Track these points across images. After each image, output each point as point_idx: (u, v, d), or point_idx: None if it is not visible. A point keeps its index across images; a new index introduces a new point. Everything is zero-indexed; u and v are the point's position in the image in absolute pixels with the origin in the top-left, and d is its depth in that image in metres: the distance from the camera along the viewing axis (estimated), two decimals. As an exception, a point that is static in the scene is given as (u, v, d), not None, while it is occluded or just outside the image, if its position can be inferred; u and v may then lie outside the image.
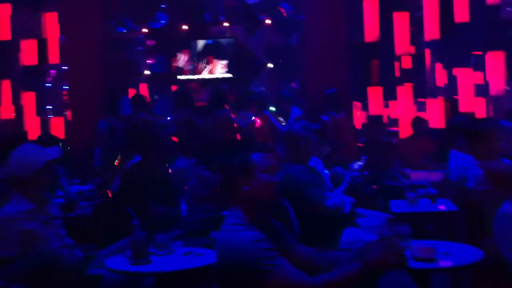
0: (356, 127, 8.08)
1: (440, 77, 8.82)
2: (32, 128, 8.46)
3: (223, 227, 2.34)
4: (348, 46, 7.56)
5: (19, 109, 8.85)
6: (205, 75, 9.47)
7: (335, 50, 7.41)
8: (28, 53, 8.74)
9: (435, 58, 8.61)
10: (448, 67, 8.19)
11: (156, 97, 9.81)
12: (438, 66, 8.70)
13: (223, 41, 9.54)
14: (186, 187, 4.61)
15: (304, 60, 7.92)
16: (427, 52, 8.42)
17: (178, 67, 9.63)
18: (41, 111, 8.87)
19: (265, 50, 9.31)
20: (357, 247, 2.98)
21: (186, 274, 2.92)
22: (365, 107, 8.15)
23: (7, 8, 8.89)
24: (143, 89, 9.72)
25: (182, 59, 9.62)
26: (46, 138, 5.29)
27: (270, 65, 9.21)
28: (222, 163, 2.42)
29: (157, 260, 2.95)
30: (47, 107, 9.42)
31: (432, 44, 7.94)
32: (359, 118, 8.55)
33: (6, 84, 8.98)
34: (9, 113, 8.80)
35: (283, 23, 9.21)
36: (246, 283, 2.19)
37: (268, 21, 9.22)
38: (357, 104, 8.33)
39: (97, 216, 4.02)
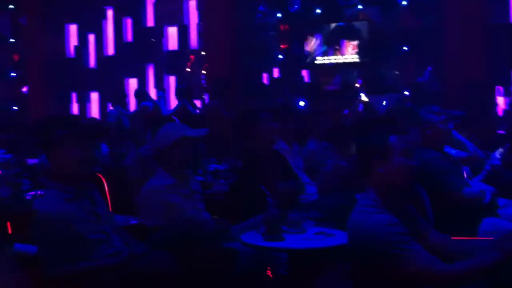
0: (498, 113, 7.61)
1: None
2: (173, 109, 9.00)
3: (355, 208, 2.33)
4: (490, 26, 7.11)
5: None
6: (337, 58, 9.42)
7: (476, 31, 7.01)
8: (170, 39, 9.29)
9: None
10: None
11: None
12: None
13: (356, 23, 9.40)
14: (318, 171, 4.65)
15: (443, 43, 7.57)
16: None
17: (310, 51, 9.67)
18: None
19: (400, 32, 9.04)
20: (496, 237, 2.84)
21: (317, 253, 2.98)
22: (508, 92, 7.64)
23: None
24: (276, 73, 9.90)
25: (314, 43, 9.64)
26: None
27: (405, 48, 8.93)
28: (359, 143, 2.41)
29: (289, 238, 3.04)
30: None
31: None
32: (501, 103, 8.04)
33: (151, 68, 9.63)
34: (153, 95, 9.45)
35: (419, 4, 8.87)
36: (379, 266, 2.17)
37: (404, 2, 8.92)
38: (499, 89, 7.83)
39: (233, 193, 4.19)
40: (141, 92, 8.81)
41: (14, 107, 9.95)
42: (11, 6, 10.23)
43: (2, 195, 4.31)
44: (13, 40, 10.28)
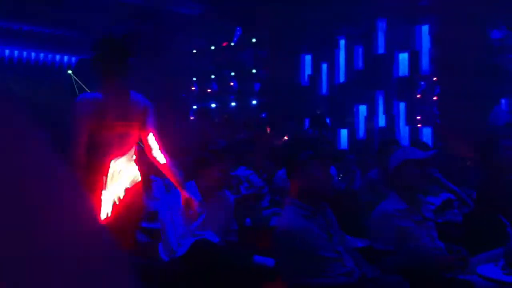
0: None
1: None
2: (402, 136, 8.92)
3: None
4: None
5: (391, 118, 9.43)
6: None
7: None
8: (401, 65, 9.24)
9: None
10: None
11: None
12: None
13: None
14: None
15: None
16: None
17: None
18: (411, 120, 9.24)
19: None
20: None
21: None
22: None
23: (383, 22, 9.60)
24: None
25: None
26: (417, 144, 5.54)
27: None
28: None
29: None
30: (417, 117, 9.74)
31: None
32: None
33: (381, 94, 9.68)
34: (382, 121, 9.48)
35: None
36: None
37: None
38: None
39: (468, 223, 3.99)
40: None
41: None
42: (253, 40, 11.25)
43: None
44: (255, 71, 11.27)
